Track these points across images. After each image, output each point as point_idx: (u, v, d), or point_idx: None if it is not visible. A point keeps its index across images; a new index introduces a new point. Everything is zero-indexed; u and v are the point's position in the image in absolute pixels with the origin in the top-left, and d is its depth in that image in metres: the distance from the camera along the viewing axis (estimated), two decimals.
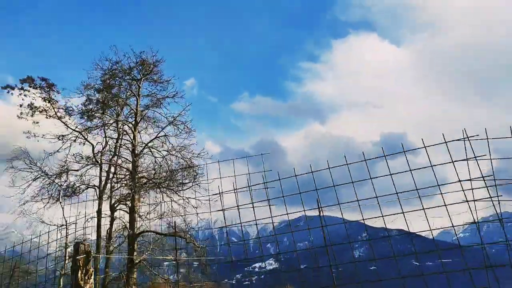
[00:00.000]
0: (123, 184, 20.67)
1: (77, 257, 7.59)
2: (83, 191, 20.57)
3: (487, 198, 8.84)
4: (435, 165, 9.21)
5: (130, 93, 22.19)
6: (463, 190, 8.96)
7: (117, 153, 21.31)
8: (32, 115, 20.55)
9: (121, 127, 21.79)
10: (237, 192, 12.74)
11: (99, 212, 19.81)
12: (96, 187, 20.52)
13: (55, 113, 20.79)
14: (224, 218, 12.21)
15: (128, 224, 19.61)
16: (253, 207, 11.51)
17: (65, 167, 20.48)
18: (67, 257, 17.66)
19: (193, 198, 18.57)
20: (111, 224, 20.02)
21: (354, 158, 10.50)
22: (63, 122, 20.97)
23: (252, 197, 11.99)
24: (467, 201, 8.66)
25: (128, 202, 20.20)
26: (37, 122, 20.71)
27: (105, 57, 21.47)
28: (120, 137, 21.67)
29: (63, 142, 20.89)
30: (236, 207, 12.10)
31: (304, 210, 10.75)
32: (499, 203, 9.11)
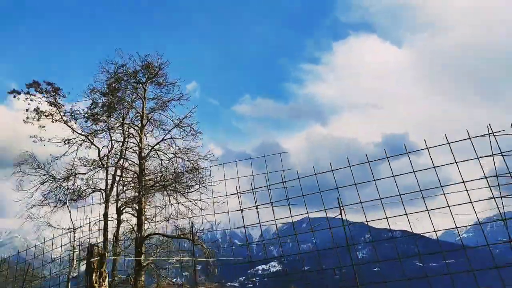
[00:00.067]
0: (131, 187, 20.72)
1: (91, 260, 7.57)
2: (89, 194, 20.69)
3: (490, 197, 8.83)
4: (438, 166, 9.22)
5: (136, 96, 22.30)
6: (467, 190, 8.96)
7: (123, 156, 21.33)
8: (38, 120, 20.69)
9: (127, 130, 21.87)
10: (240, 194, 12.77)
11: (105, 215, 19.85)
12: (102, 191, 20.58)
13: (61, 117, 20.94)
14: (229, 221, 12.25)
15: (135, 226, 19.64)
16: (257, 210, 11.52)
17: (72, 170, 20.60)
18: (75, 261, 17.76)
19: (200, 200, 18.69)
20: (118, 227, 20.06)
21: (356, 159, 10.53)
22: (69, 126, 21.09)
23: (256, 199, 12.01)
24: (471, 202, 8.65)
25: (135, 205, 20.27)
26: (43, 126, 20.84)
27: (110, 60, 21.67)
28: (126, 140, 21.76)
29: (69, 146, 20.99)
30: (240, 210, 12.13)
31: (308, 213, 10.76)
32: (502, 203, 9.09)
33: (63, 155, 20.83)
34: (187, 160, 20.36)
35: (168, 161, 21.01)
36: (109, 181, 20.72)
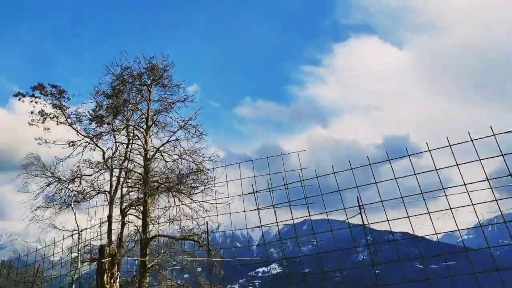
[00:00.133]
0: (137, 189, 20.75)
1: (103, 260, 7.51)
2: (93, 196, 20.71)
3: (492, 200, 8.84)
4: (440, 168, 9.23)
5: (141, 98, 22.41)
6: (468, 192, 8.96)
7: (128, 158, 21.38)
8: (43, 122, 20.81)
9: (132, 132, 21.92)
10: (243, 196, 12.81)
11: (109, 217, 19.87)
12: (106, 192, 20.61)
13: (66, 120, 21.07)
14: (231, 222, 12.25)
15: (140, 228, 19.64)
16: (258, 212, 11.51)
17: (78, 172, 20.66)
18: (79, 262, 17.80)
19: (204, 201, 18.71)
20: (122, 229, 20.06)
21: (357, 161, 10.55)
22: (73, 128, 21.21)
23: (257, 201, 12.03)
24: (472, 204, 8.66)
25: (139, 207, 20.29)
26: (48, 129, 20.96)
27: (116, 62, 21.76)
28: (131, 142, 21.79)
29: (73, 148, 21.08)
30: (243, 211, 12.16)
31: (310, 215, 10.76)
32: (497, 203, 9.08)
33: (68, 157, 20.96)
34: (192, 162, 20.41)
35: (172, 163, 21.06)
36: (114, 183, 20.72)
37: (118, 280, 8.05)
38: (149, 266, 18.60)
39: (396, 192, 9.84)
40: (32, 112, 20.71)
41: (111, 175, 20.79)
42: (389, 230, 10.07)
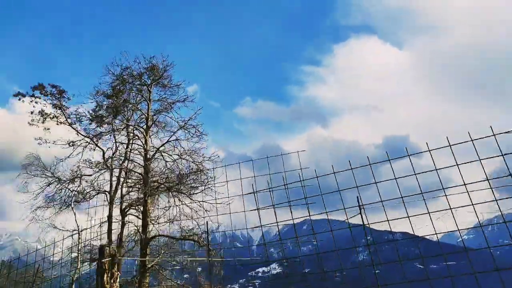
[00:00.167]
0: (137, 189, 20.72)
1: (103, 260, 7.47)
2: (93, 196, 20.71)
3: (492, 200, 8.84)
4: (440, 169, 9.23)
5: (141, 98, 22.40)
6: (468, 192, 8.96)
7: (128, 157, 21.37)
8: (43, 122, 20.83)
9: (132, 132, 21.91)
10: (243, 196, 12.82)
11: (109, 217, 19.86)
12: (106, 193, 20.61)
13: (66, 120, 21.07)
14: (231, 222, 12.26)
15: (140, 228, 19.61)
16: (258, 212, 11.52)
17: (78, 172, 20.66)
18: (79, 262, 17.80)
19: (204, 201, 18.69)
20: (122, 229, 20.05)
21: (357, 161, 10.56)
22: (74, 128, 21.22)
23: (257, 201, 12.03)
24: (472, 204, 8.66)
25: (139, 207, 20.28)
26: (48, 129, 20.98)
27: (116, 62, 21.77)
28: (131, 142, 21.78)
29: (73, 148, 21.09)
30: (243, 211, 12.17)
31: (310, 215, 10.76)
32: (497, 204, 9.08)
33: (68, 157, 20.97)
34: (192, 162, 20.39)
35: (172, 163, 21.05)
36: (114, 183, 20.71)
37: (118, 280, 8.02)
38: (149, 266, 18.60)
39: (396, 192, 9.84)
40: (32, 112, 20.73)
41: (111, 175, 20.80)
42: (389, 230, 10.07)
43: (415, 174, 9.49)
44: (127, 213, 20.49)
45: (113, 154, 21.33)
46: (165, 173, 20.73)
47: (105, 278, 7.75)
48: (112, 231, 19.91)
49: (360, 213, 9.46)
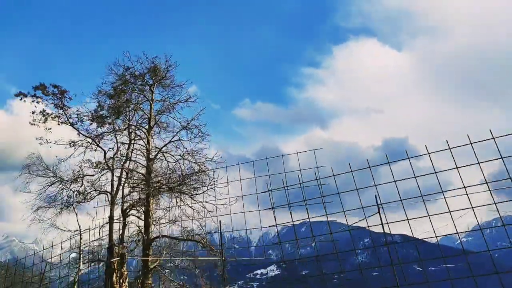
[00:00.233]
0: (140, 189, 20.57)
1: (112, 260, 7.34)
2: (94, 197, 20.57)
3: (491, 203, 8.85)
4: (439, 171, 9.24)
5: (143, 98, 22.30)
6: (467, 194, 8.97)
7: (129, 158, 21.25)
8: (44, 122, 20.69)
9: (133, 132, 21.79)
10: (243, 197, 12.84)
11: (111, 217, 19.60)
12: (108, 193, 20.44)
13: (67, 120, 20.98)
14: (231, 223, 12.25)
15: (142, 228, 19.50)
16: (259, 214, 11.55)
17: (80, 172, 20.54)
18: (81, 263, 17.70)
19: (206, 202, 18.61)
20: (123, 229, 19.82)
21: (357, 163, 10.61)
22: (75, 128, 21.12)
23: (258, 203, 12.05)
24: (472, 207, 8.67)
25: (141, 207, 20.15)
26: (50, 129, 20.84)
27: (118, 62, 21.68)
28: (132, 142, 21.66)
29: (75, 148, 20.96)
30: (243, 212, 12.19)
31: (309, 218, 10.76)
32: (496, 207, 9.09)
33: (69, 157, 20.83)
34: (194, 162, 20.26)
35: (174, 163, 20.92)
36: (115, 184, 20.51)
37: (127, 279, 7.95)
38: (152, 267, 18.49)
39: (395, 194, 9.84)
40: (33, 112, 20.63)
41: (112, 176, 20.67)
42: (388, 232, 10.08)
43: (415, 177, 9.51)
44: (129, 213, 20.37)
45: (114, 154, 21.21)
46: (167, 173, 20.54)
47: (114, 278, 7.66)
48: (114, 232, 19.83)
49: (379, 211, 9.42)
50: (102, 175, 20.83)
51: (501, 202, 8.85)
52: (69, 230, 19.22)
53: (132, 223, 20.24)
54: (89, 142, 21.21)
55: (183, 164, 20.61)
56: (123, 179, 20.75)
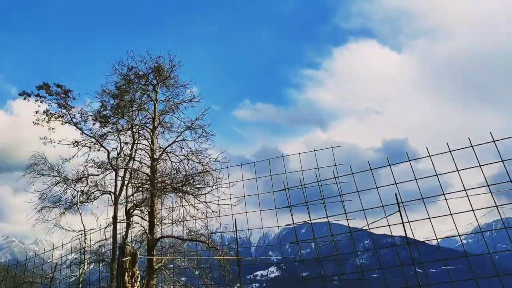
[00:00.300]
0: (144, 189, 20.52)
1: (123, 259, 7.30)
2: (98, 197, 20.59)
3: (492, 206, 8.88)
4: (440, 174, 9.28)
5: (147, 98, 22.26)
6: (468, 196, 9.02)
7: (133, 158, 21.22)
8: (48, 121, 20.79)
9: (137, 132, 21.76)
10: (244, 198, 12.91)
11: (115, 218, 19.75)
12: (111, 193, 20.48)
13: (71, 119, 21.04)
14: (234, 224, 12.29)
15: (147, 228, 19.46)
16: (260, 214, 11.60)
17: (84, 172, 20.53)
18: (86, 263, 17.75)
19: (210, 202, 18.48)
20: (127, 229, 19.91)
21: (357, 165, 10.65)
22: (79, 128, 21.18)
23: (260, 204, 12.12)
24: (472, 210, 8.70)
25: (145, 207, 20.11)
26: (53, 128, 20.93)
27: (122, 62, 21.71)
28: (136, 142, 21.64)
29: (78, 148, 21.00)
30: (245, 213, 12.26)
31: (311, 220, 10.79)
32: (498, 209, 9.13)
33: (72, 157, 20.85)
34: (198, 162, 20.20)
35: (178, 163, 20.88)
36: (119, 184, 20.59)
37: (139, 279, 7.91)
38: (157, 267, 18.44)
39: (394, 196, 9.88)
40: (37, 112, 20.71)
41: (116, 176, 20.72)
42: (390, 233, 10.11)
43: (416, 179, 9.56)
44: (132, 213, 20.35)
45: (118, 154, 21.25)
46: (171, 173, 20.48)
47: (126, 277, 7.60)
48: (117, 232, 19.82)
49: (399, 210, 9.39)
50: (106, 175, 20.83)
51: (502, 205, 8.89)
52: (73, 230, 19.27)
53: (136, 223, 20.20)
54: (92, 142, 21.26)
55: (187, 164, 20.56)
56: (126, 179, 20.76)
